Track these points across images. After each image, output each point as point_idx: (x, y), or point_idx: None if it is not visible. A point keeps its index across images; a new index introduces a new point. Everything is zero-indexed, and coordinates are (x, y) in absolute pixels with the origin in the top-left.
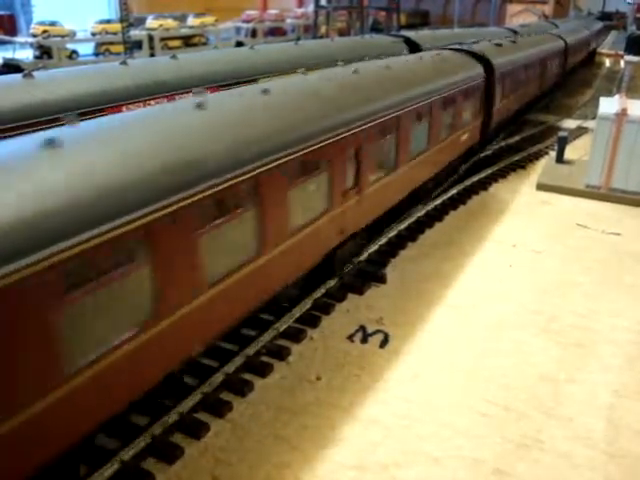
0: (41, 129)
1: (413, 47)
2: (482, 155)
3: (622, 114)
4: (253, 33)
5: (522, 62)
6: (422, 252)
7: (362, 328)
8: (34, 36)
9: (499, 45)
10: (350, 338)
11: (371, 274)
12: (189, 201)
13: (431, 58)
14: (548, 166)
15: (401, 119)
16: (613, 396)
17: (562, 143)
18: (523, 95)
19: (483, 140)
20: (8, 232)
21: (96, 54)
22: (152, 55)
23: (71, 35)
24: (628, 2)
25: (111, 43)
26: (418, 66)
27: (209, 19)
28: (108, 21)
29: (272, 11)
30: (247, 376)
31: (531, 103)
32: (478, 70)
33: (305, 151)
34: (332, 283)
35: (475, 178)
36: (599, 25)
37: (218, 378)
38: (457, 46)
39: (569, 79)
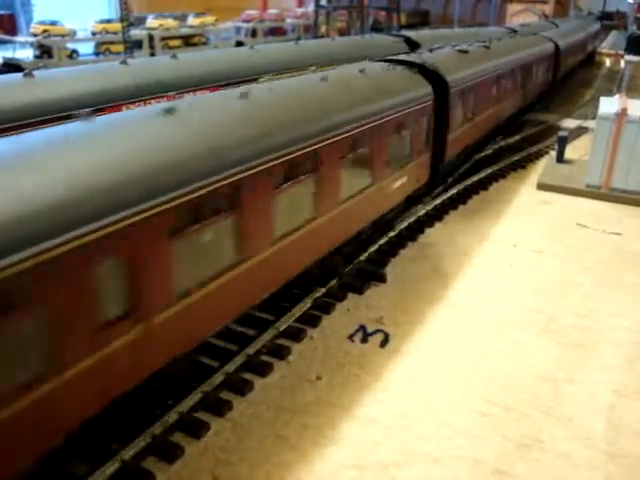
0: (42, 128)
1: (413, 47)
2: (482, 154)
3: (622, 114)
4: (253, 33)
5: (494, 73)
6: (422, 252)
7: (362, 327)
8: (34, 35)
9: (464, 52)
10: (350, 337)
11: (371, 273)
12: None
13: (342, 77)
14: (548, 166)
15: (257, 181)
16: (613, 396)
17: (562, 143)
18: (496, 112)
19: (435, 178)
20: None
21: (96, 53)
22: (152, 55)
23: (71, 34)
24: (628, 2)
25: (111, 42)
26: (310, 92)
27: (209, 19)
28: (108, 21)
29: (272, 11)
30: (247, 375)
31: (512, 118)
32: (423, 90)
33: None
34: (332, 282)
35: (475, 178)
36: (598, 25)
37: (218, 377)
38: (402, 57)
39: (568, 80)
